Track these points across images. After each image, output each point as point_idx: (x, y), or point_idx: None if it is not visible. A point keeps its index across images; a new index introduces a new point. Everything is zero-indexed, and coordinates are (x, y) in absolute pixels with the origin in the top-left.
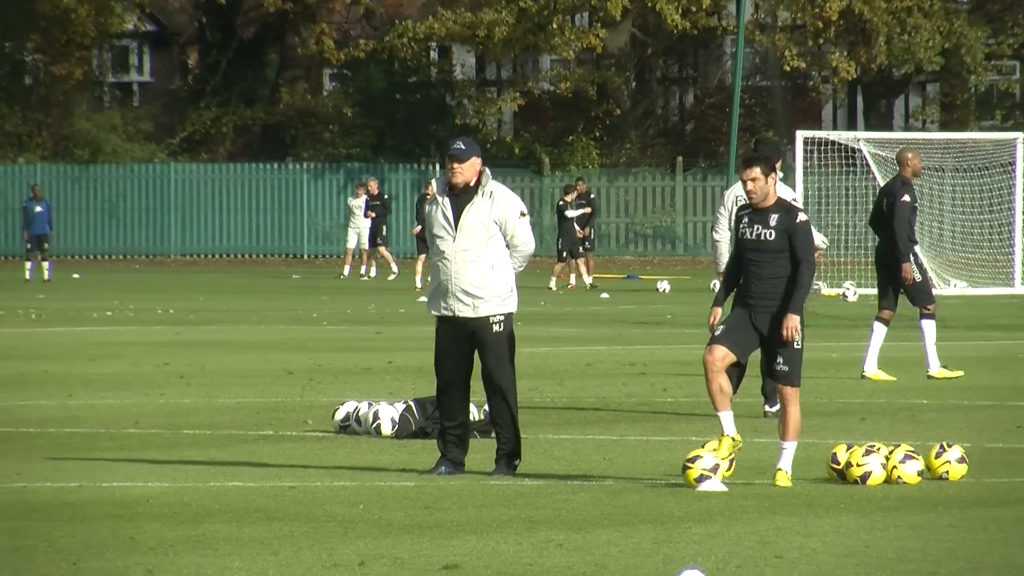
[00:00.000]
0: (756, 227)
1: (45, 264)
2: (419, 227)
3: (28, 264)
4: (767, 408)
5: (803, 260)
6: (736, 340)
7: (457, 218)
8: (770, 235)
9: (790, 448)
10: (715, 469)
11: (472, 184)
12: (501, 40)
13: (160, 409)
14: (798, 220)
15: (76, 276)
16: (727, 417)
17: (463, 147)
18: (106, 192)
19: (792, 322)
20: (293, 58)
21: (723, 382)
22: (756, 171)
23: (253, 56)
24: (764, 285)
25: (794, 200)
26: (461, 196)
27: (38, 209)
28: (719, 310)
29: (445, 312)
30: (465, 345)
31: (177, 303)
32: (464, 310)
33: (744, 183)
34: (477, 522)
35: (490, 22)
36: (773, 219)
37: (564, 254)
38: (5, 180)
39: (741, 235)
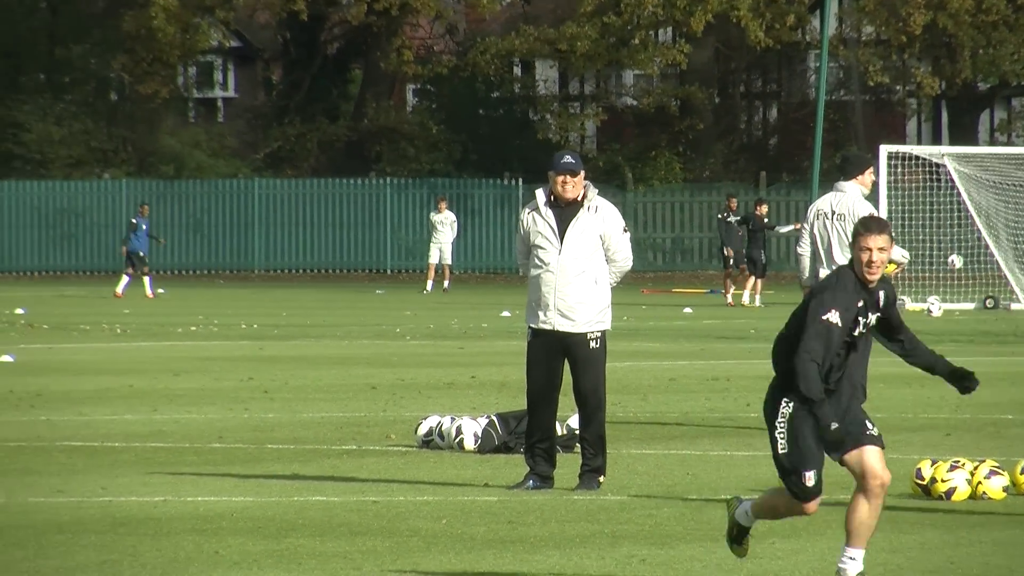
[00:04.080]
0: (872, 316)
1: (147, 279)
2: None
3: (126, 279)
4: None
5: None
6: (822, 478)
7: (563, 231)
8: (875, 320)
9: None
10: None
11: (578, 198)
12: (584, 55)
13: (244, 424)
14: (896, 296)
15: (160, 291)
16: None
17: (574, 161)
18: (190, 207)
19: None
20: (377, 74)
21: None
22: (885, 238)
23: (337, 72)
24: (849, 371)
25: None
26: (565, 209)
27: (144, 227)
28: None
29: (544, 326)
30: (558, 359)
31: (261, 318)
32: (564, 324)
33: (866, 253)
34: (560, 537)
35: (572, 36)
36: (882, 299)
37: (760, 267)
38: (91, 196)
39: (860, 333)
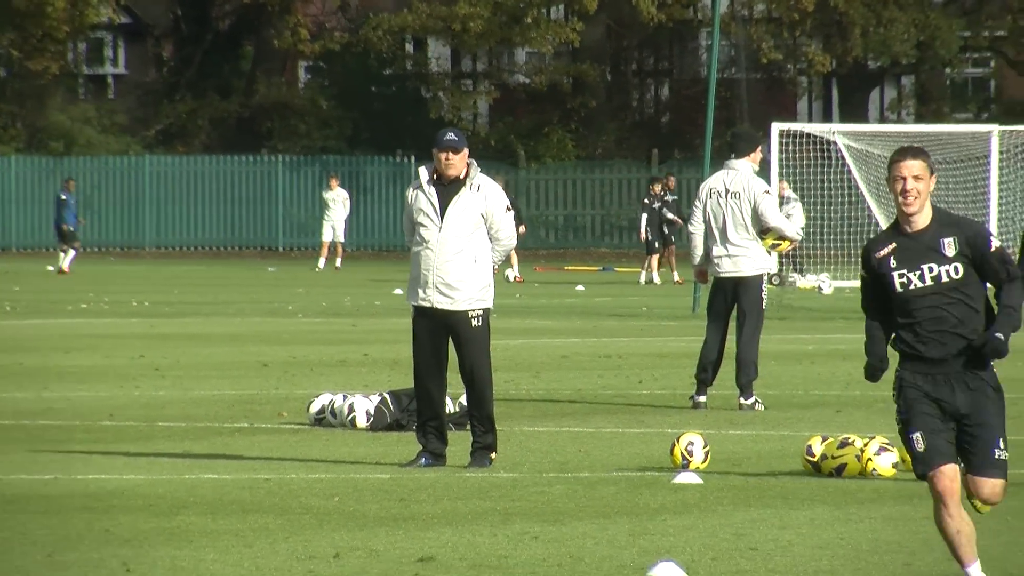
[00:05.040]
0: (925, 267)
1: (71, 254)
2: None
3: (72, 254)
4: (742, 400)
5: (1011, 278)
6: (949, 446)
7: (444, 208)
8: (954, 272)
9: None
10: None
11: (460, 176)
12: (477, 33)
13: (135, 401)
14: (992, 247)
15: (50, 268)
16: (976, 570)
17: (456, 138)
18: (80, 184)
19: (996, 343)
20: (268, 50)
21: (963, 519)
22: (920, 165)
23: (229, 48)
24: (950, 340)
25: (767, 192)
26: (448, 186)
27: (71, 202)
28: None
29: (423, 303)
30: (442, 337)
31: (152, 295)
32: (443, 302)
33: (899, 182)
34: (452, 514)
35: (465, 16)
36: (947, 246)
37: (655, 245)
38: None
39: (902, 285)
